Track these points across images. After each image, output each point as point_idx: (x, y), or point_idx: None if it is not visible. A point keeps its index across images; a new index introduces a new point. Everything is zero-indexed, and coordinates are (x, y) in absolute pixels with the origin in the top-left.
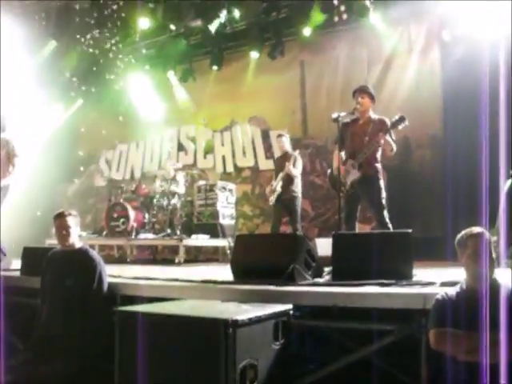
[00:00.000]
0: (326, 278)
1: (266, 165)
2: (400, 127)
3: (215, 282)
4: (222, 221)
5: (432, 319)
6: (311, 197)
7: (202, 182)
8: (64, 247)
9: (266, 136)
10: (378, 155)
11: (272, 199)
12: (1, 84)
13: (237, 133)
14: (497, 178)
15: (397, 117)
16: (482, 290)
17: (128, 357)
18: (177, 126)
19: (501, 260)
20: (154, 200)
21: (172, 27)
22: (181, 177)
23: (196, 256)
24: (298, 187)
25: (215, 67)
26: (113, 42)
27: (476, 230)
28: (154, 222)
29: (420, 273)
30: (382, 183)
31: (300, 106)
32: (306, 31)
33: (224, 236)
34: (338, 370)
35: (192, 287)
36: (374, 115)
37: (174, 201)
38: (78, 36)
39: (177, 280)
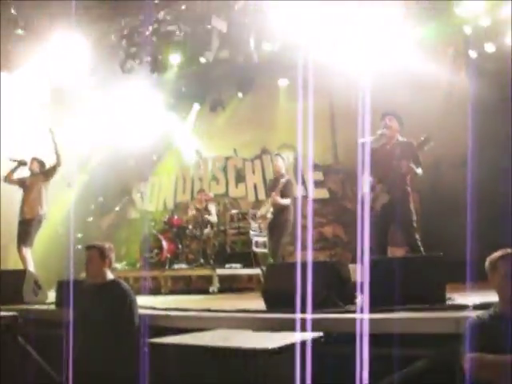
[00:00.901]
0: (359, 303)
1: (297, 191)
2: (426, 148)
3: (246, 311)
4: (255, 249)
5: (465, 344)
6: (343, 222)
7: (234, 211)
8: (93, 280)
9: (296, 163)
10: (407, 178)
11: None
12: None
13: (267, 160)
14: None
15: (422, 138)
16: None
17: None
18: (209, 157)
19: None
20: (187, 230)
21: (202, 60)
22: (213, 206)
23: (230, 285)
24: (290, 213)
25: (240, 94)
26: None
27: (507, 251)
28: (187, 253)
29: (454, 296)
30: (411, 206)
31: (330, 132)
32: None
33: (258, 264)
34: None
35: (223, 317)
36: (400, 138)
37: (207, 230)
38: None
39: (208, 310)
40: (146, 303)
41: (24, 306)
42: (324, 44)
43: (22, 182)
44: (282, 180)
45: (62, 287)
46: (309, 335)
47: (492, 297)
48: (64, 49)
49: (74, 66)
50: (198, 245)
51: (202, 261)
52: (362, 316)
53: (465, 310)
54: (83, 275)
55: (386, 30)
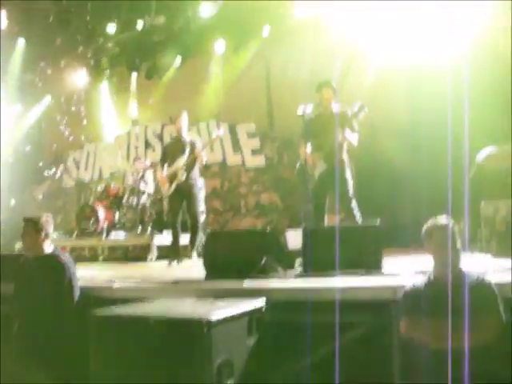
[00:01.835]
0: (298, 270)
1: (234, 160)
2: (360, 116)
3: (188, 281)
4: None
5: (402, 308)
6: (280, 189)
7: None
8: (31, 253)
9: (233, 131)
10: (344, 146)
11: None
12: None
13: (203, 128)
14: (462, 164)
15: (357, 106)
16: (448, 280)
17: (104, 361)
18: (143, 124)
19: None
20: (124, 199)
21: (139, 26)
22: (149, 175)
23: (167, 254)
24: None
25: (178, 62)
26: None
27: (441, 221)
28: (124, 221)
29: (389, 262)
30: (348, 174)
31: (266, 99)
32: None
33: None
34: (313, 363)
35: (166, 287)
36: (336, 107)
37: (144, 199)
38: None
39: (150, 281)
40: (86, 274)
41: None
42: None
43: None
44: (189, 141)
45: None
46: (251, 302)
47: (426, 263)
48: None
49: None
50: (135, 214)
51: (139, 229)
52: (303, 282)
53: (401, 277)
54: (19, 246)
55: None
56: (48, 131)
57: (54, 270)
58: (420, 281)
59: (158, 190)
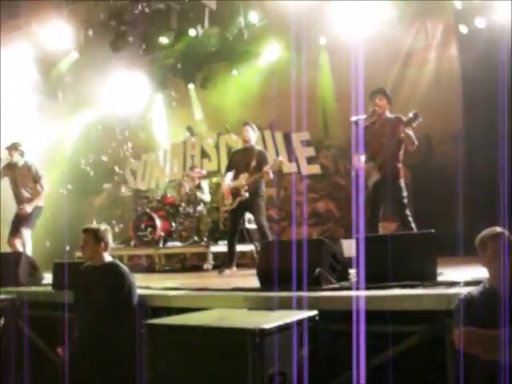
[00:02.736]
0: (352, 280)
1: (290, 168)
2: (415, 124)
3: (243, 290)
4: (248, 225)
5: (455, 319)
6: (336, 198)
7: None
8: (92, 262)
9: (288, 139)
10: (399, 155)
11: (234, 204)
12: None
13: (259, 137)
14: None
15: (411, 114)
16: (504, 290)
17: (158, 369)
18: (199, 134)
19: None
20: (180, 208)
21: (192, 34)
22: (205, 184)
23: (224, 261)
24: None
25: (235, 72)
26: None
27: (496, 230)
28: (180, 230)
29: (445, 271)
30: (402, 182)
31: (321, 108)
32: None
33: (251, 241)
34: (367, 372)
35: (220, 296)
36: (390, 115)
37: (200, 208)
38: None
39: (205, 289)
40: (142, 283)
41: (20, 288)
42: (313, 18)
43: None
44: (257, 151)
45: (57, 269)
46: (304, 313)
47: (482, 272)
48: (51, 29)
49: (59, 46)
50: (192, 222)
51: (195, 238)
52: (357, 293)
53: (456, 287)
54: (78, 255)
55: (376, 5)
56: (107, 142)
57: (114, 278)
58: (475, 290)
59: (214, 198)
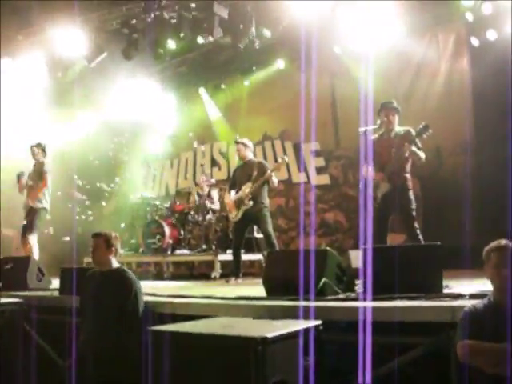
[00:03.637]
0: (358, 291)
1: (299, 178)
2: (425, 136)
3: (247, 299)
4: (256, 235)
5: (459, 332)
6: (345, 208)
7: None
8: (99, 267)
9: (297, 149)
10: (407, 166)
11: (238, 215)
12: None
13: (269, 147)
14: None
15: (421, 126)
16: (507, 303)
17: (161, 377)
18: (209, 143)
19: None
20: (189, 216)
21: (200, 41)
22: (215, 192)
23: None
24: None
25: (247, 82)
26: None
27: (501, 242)
28: (189, 238)
29: (452, 283)
30: (411, 194)
31: (331, 118)
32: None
33: (259, 250)
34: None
35: (225, 305)
36: (398, 127)
37: (209, 216)
38: None
39: (210, 297)
40: (149, 290)
41: (28, 292)
42: (325, 28)
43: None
44: (257, 163)
45: (65, 274)
46: (309, 323)
47: (488, 285)
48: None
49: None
50: (200, 231)
51: (204, 246)
52: (362, 304)
53: (461, 299)
54: (86, 260)
55: (387, 16)
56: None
57: (122, 284)
58: (480, 303)
59: (223, 207)
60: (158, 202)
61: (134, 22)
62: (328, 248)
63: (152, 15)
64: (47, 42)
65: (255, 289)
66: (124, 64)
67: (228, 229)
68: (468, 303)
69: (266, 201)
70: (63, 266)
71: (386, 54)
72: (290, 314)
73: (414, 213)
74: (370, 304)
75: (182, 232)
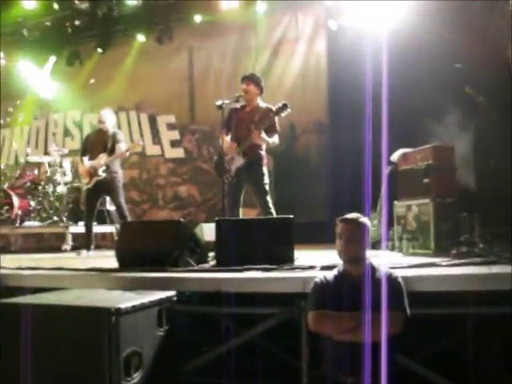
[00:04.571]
0: (211, 263)
1: (154, 150)
2: (283, 114)
3: (99, 270)
4: (109, 207)
5: (310, 302)
6: (198, 182)
7: None
8: None
9: (153, 121)
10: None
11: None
12: None
13: (124, 118)
14: (379, 164)
15: (280, 104)
16: (355, 274)
17: (11, 351)
18: (63, 111)
19: (382, 243)
20: (40, 187)
21: (56, 7)
22: (67, 163)
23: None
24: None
25: (100, 50)
26: None
27: (349, 216)
28: (39, 210)
29: (302, 257)
30: (265, 169)
31: (188, 92)
32: (197, 18)
33: (111, 222)
34: (225, 354)
35: (76, 276)
36: (262, 103)
37: (60, 187)
38: None
39: (61, 269)
40: None
41: None
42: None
43: None
44: (111, 132)
45: None
46: (162, 294)
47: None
48: None
49: None
50: (51, 202)
51: (54, 218)
52: (214, 275)
53: (312, 270)
54: None
55: None
56: None
57: None
58: (330, 274)
59: (75, 178)
60: (6, 171)
61: None
62: (181, 219)
63: None
64: None
65: (108, 261)
66: None
67: (79, 200)
68: (318, 274)
69: (120, 171)
70: None
71: (246, 31)
72: (144, 285)
73: (266, 187)
74: (222, 275)
75: (31, 203)
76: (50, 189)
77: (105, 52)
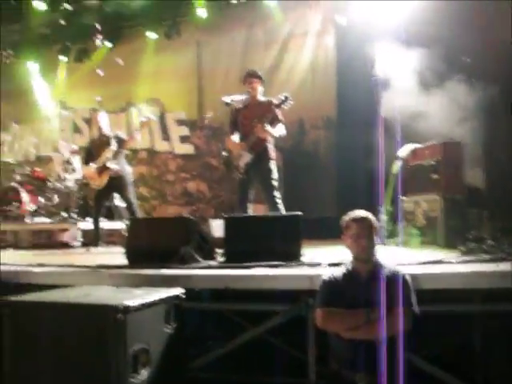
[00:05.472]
0: (219, 260)
1: (163, 146)
2: (285, 107)
3: (108, 267)
4: (117, 203)
5: (318, 299)
6: (208, 178)
7: None
8: None
9: (162, 118)
10: (270, 137)
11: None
12: None
13: (133, 114)
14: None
15: (282, 97)
16: (364, 271)
17: (20, 346)
18: (72, 108)
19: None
20: (49, 183)
21: (67, 6)
22: (76, 159)
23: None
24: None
25: (109, 45)
26: None
27: (359, 213)
28: (49, 206)
29: (310, 253)
30: (273, 164)
31: (196, 88)
32: (202, 12)
33: (121, 218)
34: (233, 350)
35: (85, 273)
36: (262, 97)
37: (70, 184)
38: None
39: (70, 266)
40: (7, 259)
41: None
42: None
43: None
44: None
45: None
46: (170, 291)
47: (346, 254)
48: None
49: None
50: (61, 198)
51: (64, 215)
52: (223, 272)
53: (319, 267)
54: None
55: None
56: None
57: None
58: (338, 271)
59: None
60: (16, 168)
61: None
62: (190, 216)
63: None
64: None
65: (117, 257)
66: None
67: (88, 197)
68: (326, 271)
69: (126, 167)
70: None
71: (254, 26)
72: (152, 282)
73: (274, 183)
74: (230, 272)
75: (41, 199)
76: (59, 185)
77: (114, 48)
